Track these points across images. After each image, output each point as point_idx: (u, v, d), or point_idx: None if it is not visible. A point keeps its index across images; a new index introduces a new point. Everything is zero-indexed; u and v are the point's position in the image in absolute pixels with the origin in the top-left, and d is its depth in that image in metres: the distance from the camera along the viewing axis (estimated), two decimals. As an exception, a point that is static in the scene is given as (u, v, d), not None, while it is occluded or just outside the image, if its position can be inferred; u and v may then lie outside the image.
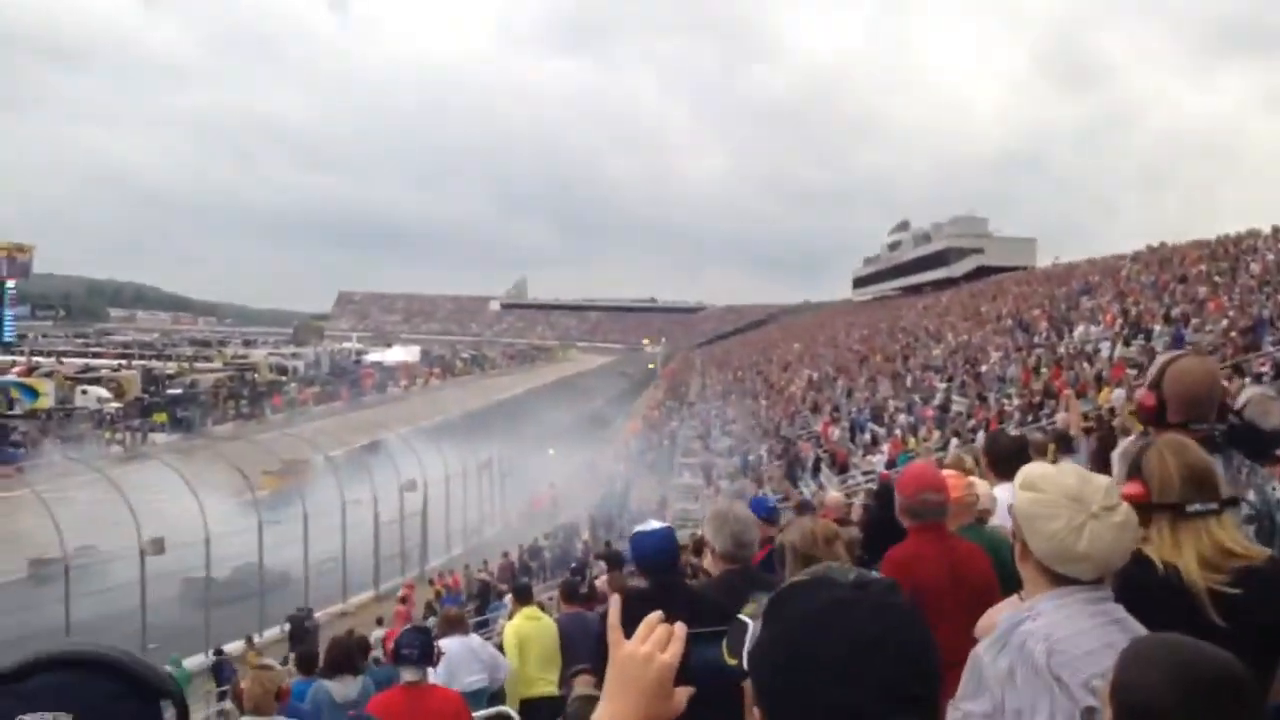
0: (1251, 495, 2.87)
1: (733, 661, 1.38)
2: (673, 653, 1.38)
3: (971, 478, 5.12)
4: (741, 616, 1.39)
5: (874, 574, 1.33)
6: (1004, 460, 4.99)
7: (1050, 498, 2.04)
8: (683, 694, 1.39)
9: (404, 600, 23.59)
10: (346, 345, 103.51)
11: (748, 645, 1.34)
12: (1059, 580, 2.02)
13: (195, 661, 19.92)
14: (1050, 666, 1.88)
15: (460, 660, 7.12)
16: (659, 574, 3.94)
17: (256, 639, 20.41)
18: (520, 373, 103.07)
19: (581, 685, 4.89)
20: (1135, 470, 2.54)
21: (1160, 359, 3.14)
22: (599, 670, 3.92)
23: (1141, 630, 1.98)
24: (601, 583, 9.91)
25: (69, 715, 1.11)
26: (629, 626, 1.46)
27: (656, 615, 1.43)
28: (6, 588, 22.51)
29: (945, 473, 4.48)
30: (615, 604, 1.49)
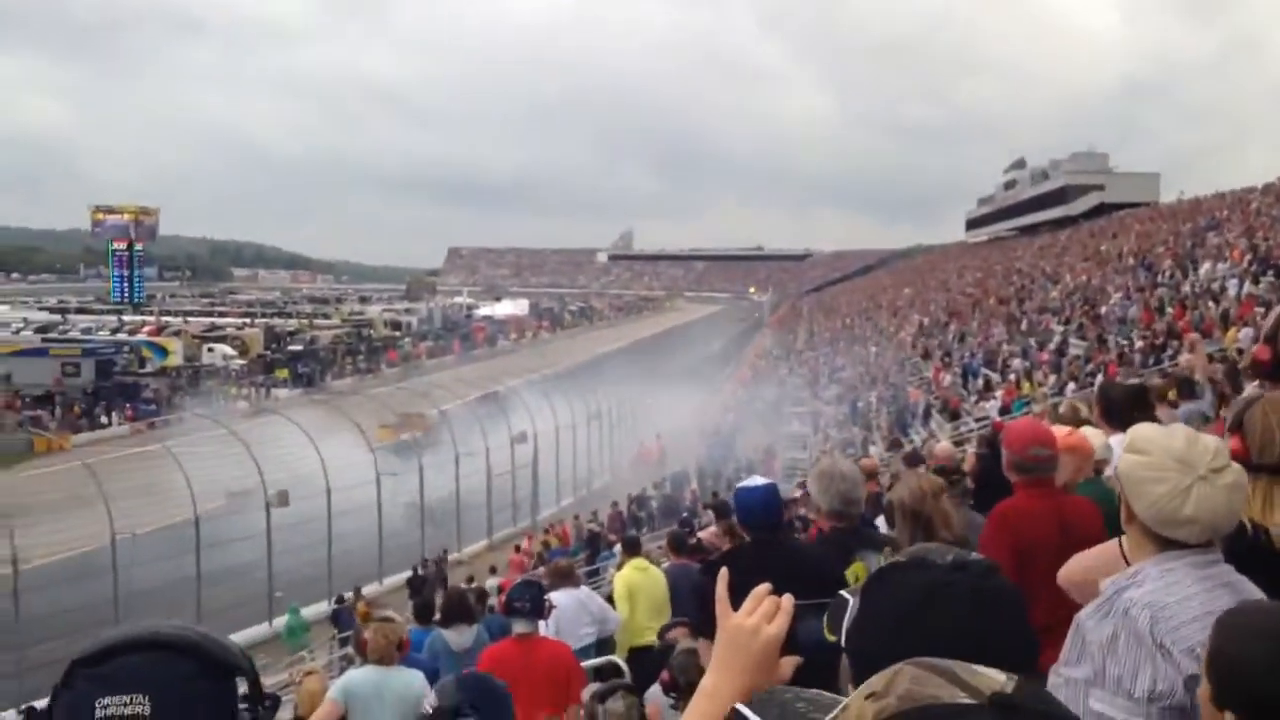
0: None
1: (832, 637, 1.43)
2: (779, 625, 1.41)
3: (1087, 429, 4.95)
4: (843, 593, 1.44)
5: (973, 555, 1.36)
6: (1117, 410, 4.82)
7: (1156, 460, 1.96)
8: (788, 664, 1.42)
9: (518, 549, 24.18)
10: (457, 300, 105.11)
11: (846, 622, 1.38)
12: (1165, 544, 1.95)
13: (318, 609, 20.75)
14: (1154, 634, 1.82)
15: (570, 614, 7.22)
16: (760, 531, 3.91)
17: (365, 590, 21.15)
18: (627, 324, 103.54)
19: (683, 639, 4.91)
20: (1237, 425, 2.43)
21: (1278, 308, 2.94)
22: (696, 625, 3.94)
23: (1256, 593, 1.91)
24: (707, 534, 9.91)
25: (145, 696, 1.15)
26: (733, 588, 1.50)
27: (765, 587, 1.47)
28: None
29: (1058, 428, 4.33)
30: (723, 578, 1.54)
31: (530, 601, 5.70)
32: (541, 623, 6.14)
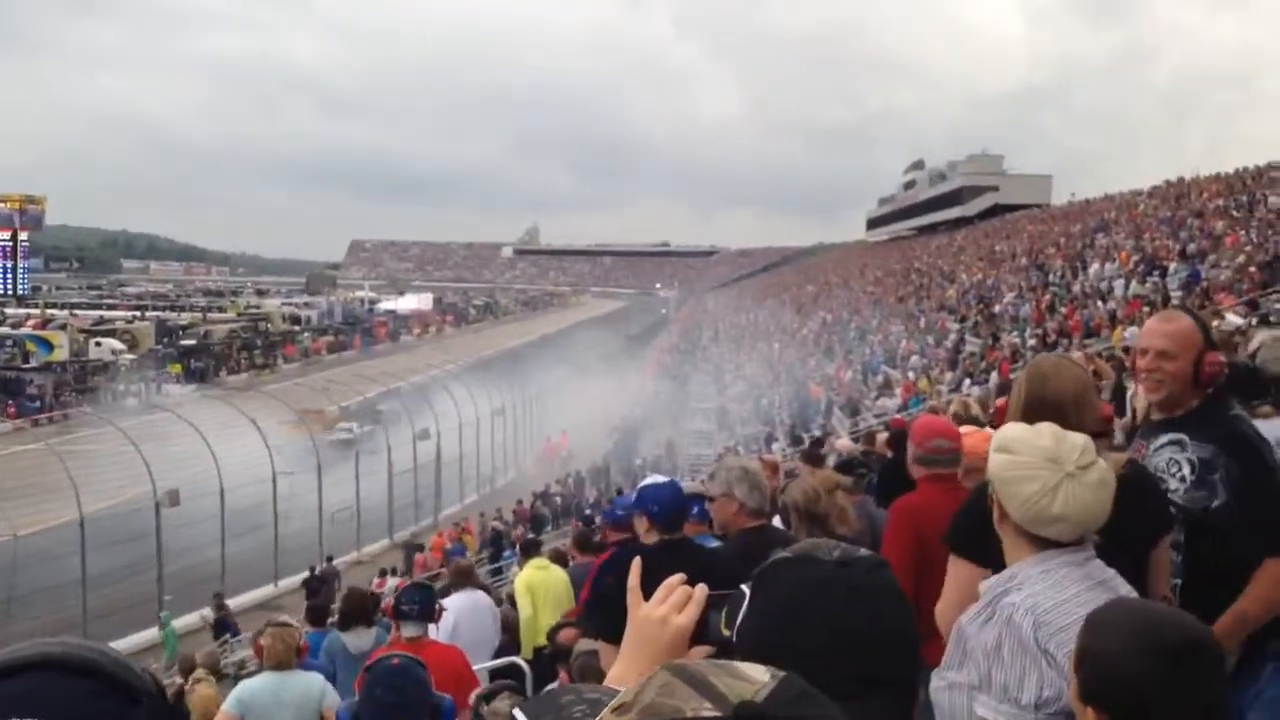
0: None
1: (726, 632, 1.39)
2: (688, 616, 1.40)
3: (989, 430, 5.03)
4: (743, 586, 1.39)
5: (860, 551, 1.33)
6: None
7: (1025, 459, 1.97)
8: (698, 655, 1.40)
9: (421, 549, 23.94)
10: (359, 294, 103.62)
11: (740, 613, 1.34)
12: (1039, 543, 1.97)
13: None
14: (1037, 640, 1.84)
15: (471, 616, 7.11)
16: (665, 531, 3.88)
17: (259, 591, 20.65)
18: (532, 319, 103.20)
19: (567, 639, 4.87)
20: (1007, 388, 2.51)
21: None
22: (597, 626, 3.89)
23: (1127, 590, 1.95)
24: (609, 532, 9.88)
25: None
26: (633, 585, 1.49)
27: (678, 577, 1.47)
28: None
29: (967, 428, 4.39)
30: (636, 567, 1.53)
31: (419, 604, 5.61)
32: (433, 626, 6.04)
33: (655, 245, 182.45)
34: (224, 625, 18.47)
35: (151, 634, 19.07)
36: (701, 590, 1.44)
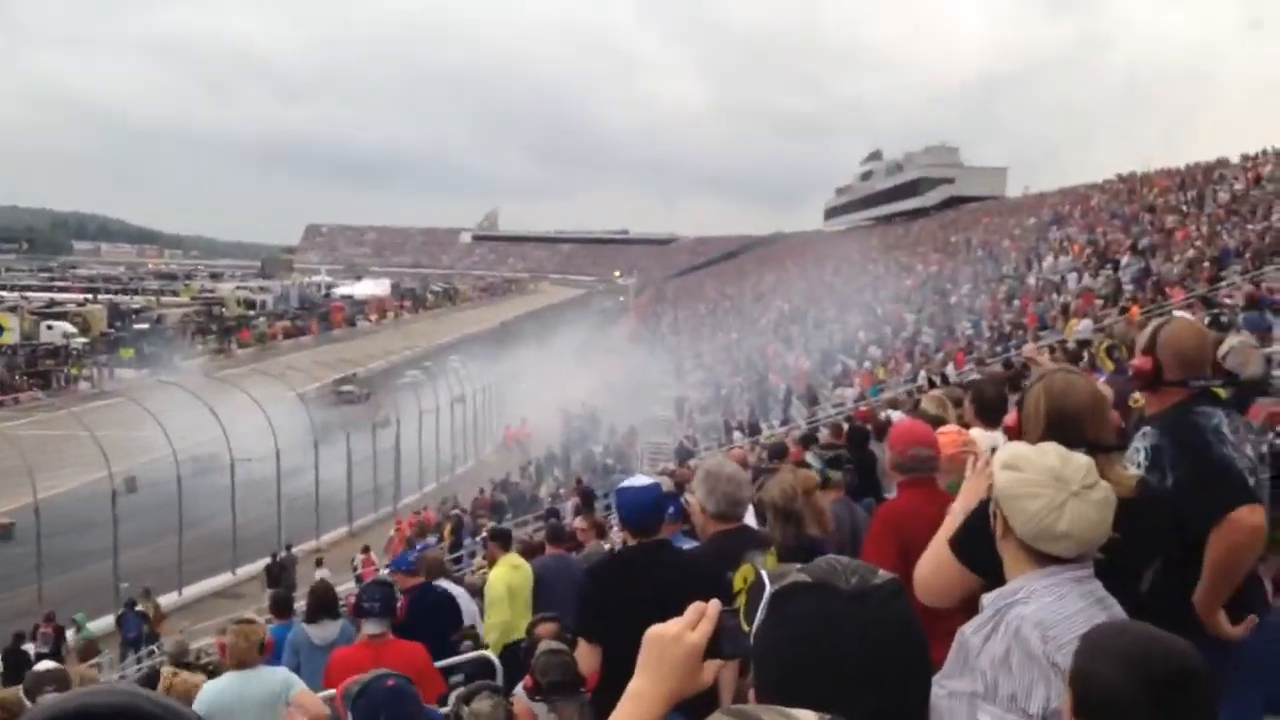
0: (1249, 450, 2.93)
1: (746, 627, 1.40)
2: (702, 632, 1.42)
3: (974, 430, 5.02)
4: (763, 574, 1.41)
5: (877, 579, 1.33)
6: (991, 408, 4.94)
7: (1031, 477, 2.04)
8: (711, 669, 1.44)
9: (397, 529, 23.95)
10: (316, 279, 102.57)
11: (757, 621, 1.36)
12: (1042, 559, 2.03)
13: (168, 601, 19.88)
14: (1045, 653, 1.89)
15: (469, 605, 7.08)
16: (638, 534, 3.90)
17: (218, 580, 20.34)
18: (491, 306, 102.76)
19: (545, 634, 4.87)
20: (1019, 404, 2.60)
21: (1152, 324, 3.23)
22: (577, 627, 3.93)
23: (1119, 611, 2.01)
24: (578, 525, 9.88)
25: None
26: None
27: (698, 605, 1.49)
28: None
29: (944, 429, 4.41)
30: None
31: (380, 601, 5.61)
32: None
33: (614, 232, 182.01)
34: (127, 625, 17.28)
35: (106, 622, 18.82)
36: (714, 606, 1.46)
